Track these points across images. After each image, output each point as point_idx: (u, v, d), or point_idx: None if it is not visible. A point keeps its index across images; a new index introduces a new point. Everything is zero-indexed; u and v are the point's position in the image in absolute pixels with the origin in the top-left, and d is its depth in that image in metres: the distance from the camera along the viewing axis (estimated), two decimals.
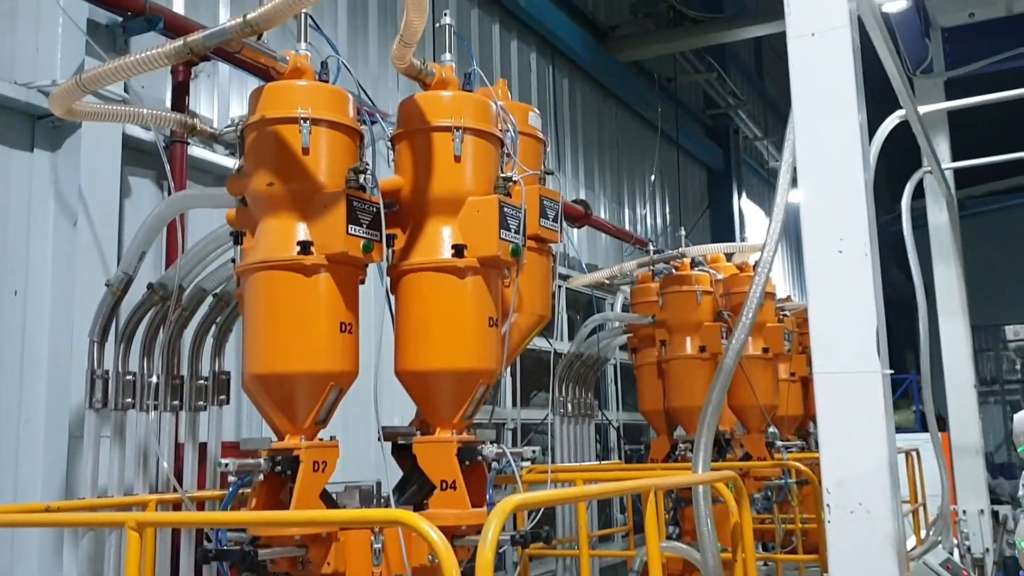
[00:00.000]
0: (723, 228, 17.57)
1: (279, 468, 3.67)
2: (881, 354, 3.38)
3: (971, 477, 8.82)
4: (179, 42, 3.75)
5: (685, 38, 14.98)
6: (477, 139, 4.01)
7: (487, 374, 3.94)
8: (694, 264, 8.03)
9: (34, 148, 5.60)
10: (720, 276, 8.13)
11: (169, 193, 5.81)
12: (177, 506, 4.85)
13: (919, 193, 8.18)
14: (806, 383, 8.87)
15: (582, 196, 12.06)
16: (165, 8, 6.04)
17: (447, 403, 3.91)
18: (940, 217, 8.78)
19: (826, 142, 3.56)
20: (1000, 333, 26.50)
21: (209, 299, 5.26)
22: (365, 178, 3.81)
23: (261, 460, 3.68)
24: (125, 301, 5.21)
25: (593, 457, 8.87)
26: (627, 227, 13.81)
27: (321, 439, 3.83)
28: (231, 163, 4.24)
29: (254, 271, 3.78)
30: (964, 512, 8.78)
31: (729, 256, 8.70)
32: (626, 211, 14.20)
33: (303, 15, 3.94)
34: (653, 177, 14.91)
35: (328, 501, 3.82)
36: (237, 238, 3.89)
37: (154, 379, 5.20)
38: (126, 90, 5.85)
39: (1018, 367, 27.64)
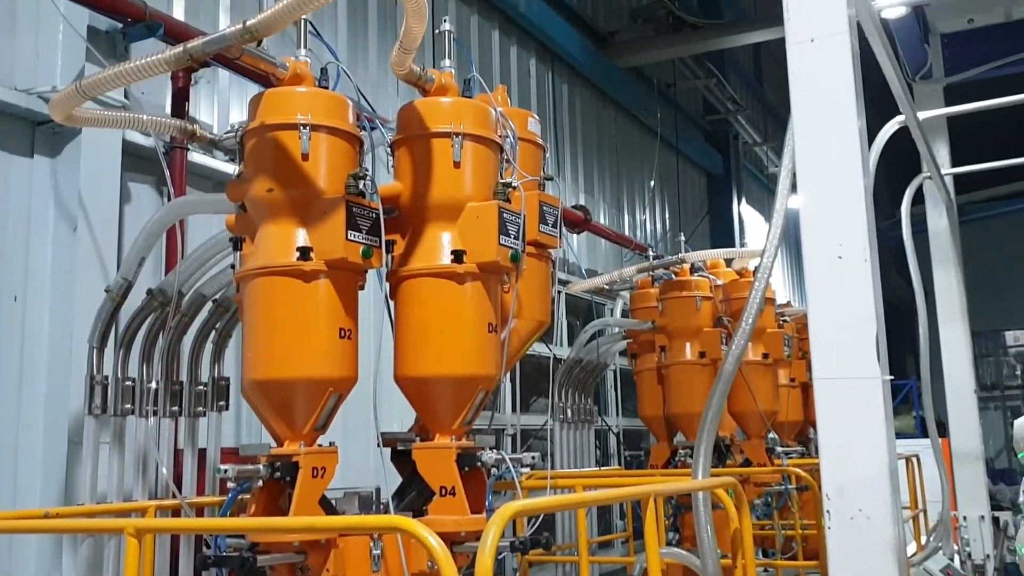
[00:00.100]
0: (723, 234, 17.58)
1: (278, 474, 3.66)
2: (881, 360, 3.38)
3: (971, 483, 8.79)
4: (179, 48, 3.75)
5: (684, 44, 15.01)
6: (476, 145, 4.01)
7: (486, 380, 3.93)
8: (694, 270, 8.03)
9: (34, 154, 5.60)
10: (720, 282, 8.13)
11: (169, 199, 5.81)
12: (176, 512, 4.84)
13: (919, 199, 8.17)
14: (806, 389, 8.87)
15: (582, 202, 12.06)
16: (165, 14, 6.05)
17: (446, 409, 3.91)
18: (940, 223, 8.77)
19: (826, 148, 3.56)
20: (1000, 339, 26.50)
21: (208, 305, 5.26)
22: (364, 184, 3.81)
23: (260, 466, 3.67)
24: (125, 307, 5.21)
25: (593, 463, 8.87)
26: (627, 233, 13.82)
27: (320, 445, 3.82)
28: (231, 169, 4.24)
29: (253, 277, 3.78)
30: (964, 518, 8.76)
31: (729, 262, 8.70)
32: (626, 217, 14.21)
33: (303, 21, 3.95)
34: (653, 183, 14.91)
35: (327, 507, 3.81)
36: (236, 244, 3.89)
37: (153, 385, 5.20)
38: (126, 96, 5.86)
39: (1018, 373, 27.61)
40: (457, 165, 3.94)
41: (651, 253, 8.81)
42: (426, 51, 7.19)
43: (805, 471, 6.95)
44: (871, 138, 4.72)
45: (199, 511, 4.95)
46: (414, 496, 3.92)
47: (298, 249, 3.71)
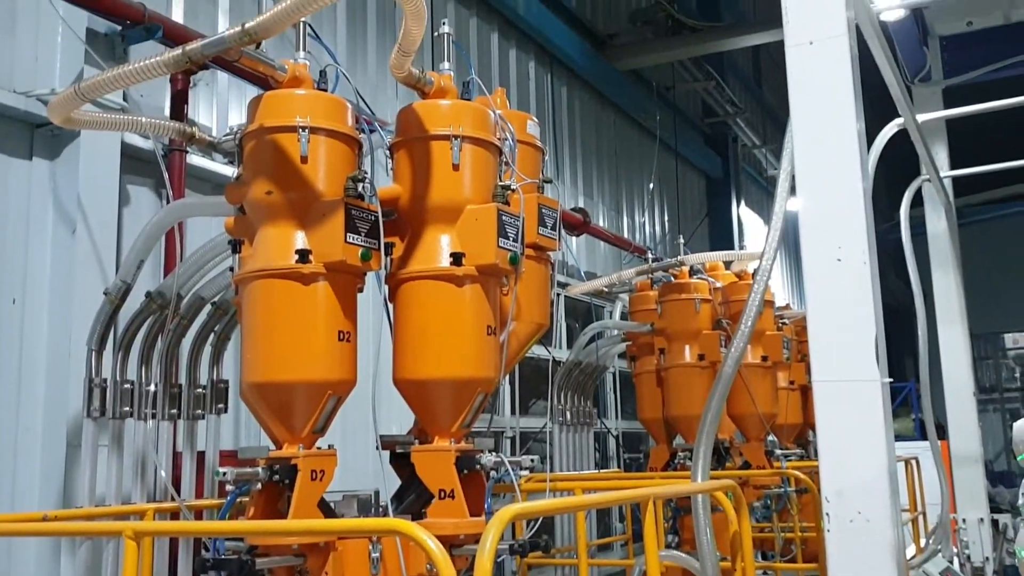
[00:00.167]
0: (722, 236, 17.59)
1: (277, 477, 3.66)
2: (880, 362, 3.37)
3: (971, 485, 8.79)
4: (178, 51, 3.75)
5: (683, 46, 15.01)
6: (475, 147, 4.01)
7: (485, 382, 3.93)
8: (693, 272, 8.02)
9: (33, 156, 5.60)
10: (719, 284, 8.13)
11: (168, 201, 5.81)
12: (175, 515, 4.84)
13: (918, 201, 8.18)
14: (805, 391, 8.87)
15: (580, 204, 12.06)
16: (164, 17, 6.05)
17: (445, 412, 3.90)
18: (939, 225, 8.77)
19: (825, 150, 3.56)
20: (999, 341, 26.51)
21: (207, 307, 5.26)
22: (363, 186, 3.81)
23: (259, 469, 3.67)
24: (123, 309, 5.21)
25: (592, 466, 8.86)
26: (626, 235, 13.82)
27: (319, 448, 3.82)
28: (230, 171, 4.24)
29: (252, 279, 3.77)
30: (964, 521, 8.76)
31: (728, 264, 8.69)
32: (624, 219, 14.21)
33: (302, 24, 3.95)
34: (652, 185, 14.92)
35: (326, 510, 3.81)
36: (235, 246, 3.89)
37: (152, 388, 5.20)
38: (125, 99, 5.86)
39: (1017, 375, 27.64)
40: (456, 168, 3.94)
41: (650, 255, 8.80)
42: (425, 54, 7.17)
43: (804, 474, 6.95)
44: (870, 141, 4.72)
45: (198, 514, 4.95)
46: (413, 499, 3.92)
47: (297, 252, 3.71)
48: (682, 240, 8.99)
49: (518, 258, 4.00)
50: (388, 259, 3.96)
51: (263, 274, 3.74)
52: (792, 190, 3.84)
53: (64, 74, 5.54)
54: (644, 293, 8.19)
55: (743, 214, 18.75)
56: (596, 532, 10.15)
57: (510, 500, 4.25)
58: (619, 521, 10.84)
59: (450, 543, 3.61)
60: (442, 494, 3.80)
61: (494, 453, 3.91)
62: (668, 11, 15.03)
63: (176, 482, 5.18)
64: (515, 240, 3.99)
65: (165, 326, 5.13)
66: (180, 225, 5.58)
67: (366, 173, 3.86)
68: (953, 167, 9.12)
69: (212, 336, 5.36)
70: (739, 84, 19.60)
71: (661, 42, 14.88)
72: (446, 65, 4.23)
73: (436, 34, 4.33)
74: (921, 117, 6.96)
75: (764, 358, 7.98)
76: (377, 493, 3.98)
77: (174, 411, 5.25)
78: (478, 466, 3.85)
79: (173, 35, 5.78)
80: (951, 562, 8.12)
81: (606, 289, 9.25)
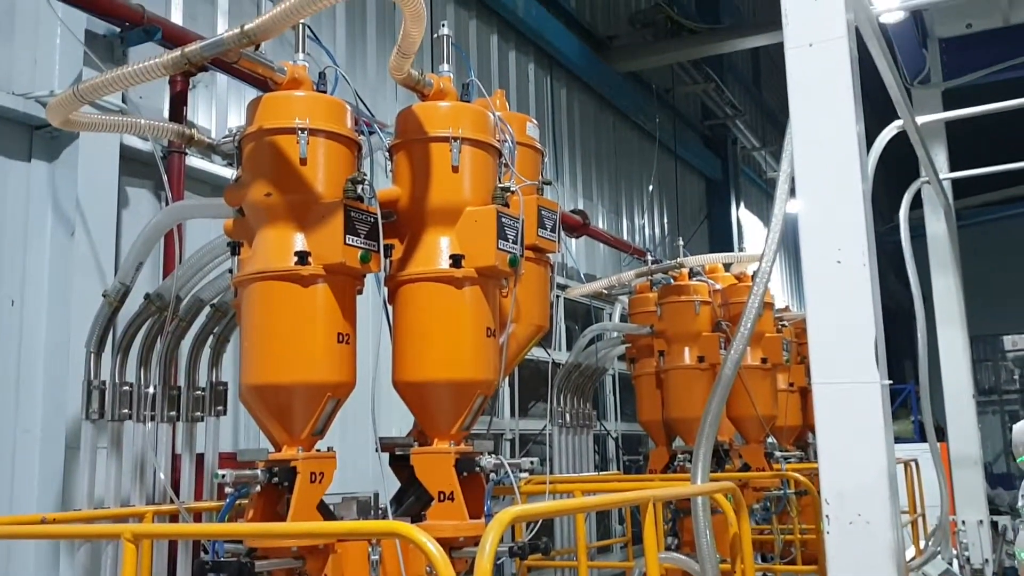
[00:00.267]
0: (721, 238, 17.60)
1: (276, 479, 3.65)
2: (880, 364, 3.38)
3: (970, 487, 8.80)
4: (177, 53, 3.75)
5: (683, 49, 15.02)
6: (475, 149, 4.00)
7: (485, 385, 3.93)
8: (692, 274, 8.02)
9: (32, 158, 5.60)
10: (718, 286, 8.13)
11: (167, 203, 5.80)
12: (174, 518, 4.83)
13: (917, 203, 8.19)
14: (805, 393, 8.87)
15: (580, 206, 12.07)
16: (163, 19, 6.04)
17: (445, 414, 3.90)
18: (938, 227, 8.78)
19: (824, 152, 3.56)
20: (998, 343, 26.51)
21: (206, 309, 5.25)
22: (363, 188, 3.80)
23: (258, 471, 3.66)
24: (122, 312, 5.20)
25: (592, 468, 8.86)
26: (625, 237, 13.82)
27: (318, 450, 3.81)
28: (229, 173, 4.24)
29: (251, 281, 3.77)
30: (963, 523, 8.77)
31: (727, 266, 8.70)
32: (624, 221, 14.21)
33: (301, 26, 3.94)
34: (651, 187, 14.92)
35: (325, 512, 3.80)
36: (234, 248, 3.89)
37: (151, 390, 5.19)
38: (124, 101, 5.86)
39: (1016, 377, 27.66)
40: (455, 169, 3.94)
41: (650, 257, 8.80)
42: (424, 55, 7.18)
43: (804, 476, 6.95)
44: (869, 142, 4.72)
45: (197, 516, 4.95)
46: (412, 501, 3.91)
47: (296, 253, 3.71)
48: (681, 242, 8.99)
49: (517, 260, 4.00)
50: (387, 261, 3.95)
51: (262, 276, 3.73)
52: (792, 192, 3.84)
53: (63, 76, 5.53)
54: (644, 295, 8.19)
55: (742, 216, 18.75)
56: (596, 534, 10.15)
57: (510, 502, 4.24)
58: (619, 523, 10.84)
59: (450, 545, 3.60)
60: (441, 496, 3.79)
61: (494, 455, 3.91)
62: (668, 13, 15.04)
63: (175, 484, 5.17)
64: (514, 242, 3.99)
65: (164, 328, 5.12)
66: (179, 227, 5.56)
67: (365, 175, 3.86)
68: (952, 169, 9.13)
69: (211, 338, 5.36)
70: (739, 86, 19.61)
71: (660, 44, 14.88)
72: (445, 67, 4.23)
73: (435, 36, 4.33)
74: (920, 119, 6.97)
75: (764, 360, 7.99)
76: (376, 495, 3.98)
77: (173, 413, 5.24)
78: (478, 468, 3.85)
79: (172, 37, 5.78)
80: (950, 564, 8.13)
81: (605, 291, 9.25)
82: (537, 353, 8.77)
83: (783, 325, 8.74)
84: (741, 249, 16.94)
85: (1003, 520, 11.33)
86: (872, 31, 4.61)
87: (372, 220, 3.80)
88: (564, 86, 12.73)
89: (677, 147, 15.91)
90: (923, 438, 9.74)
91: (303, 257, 3.70)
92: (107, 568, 4.94)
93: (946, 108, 9.02)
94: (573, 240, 11.31)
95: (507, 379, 8.69)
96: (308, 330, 3.71)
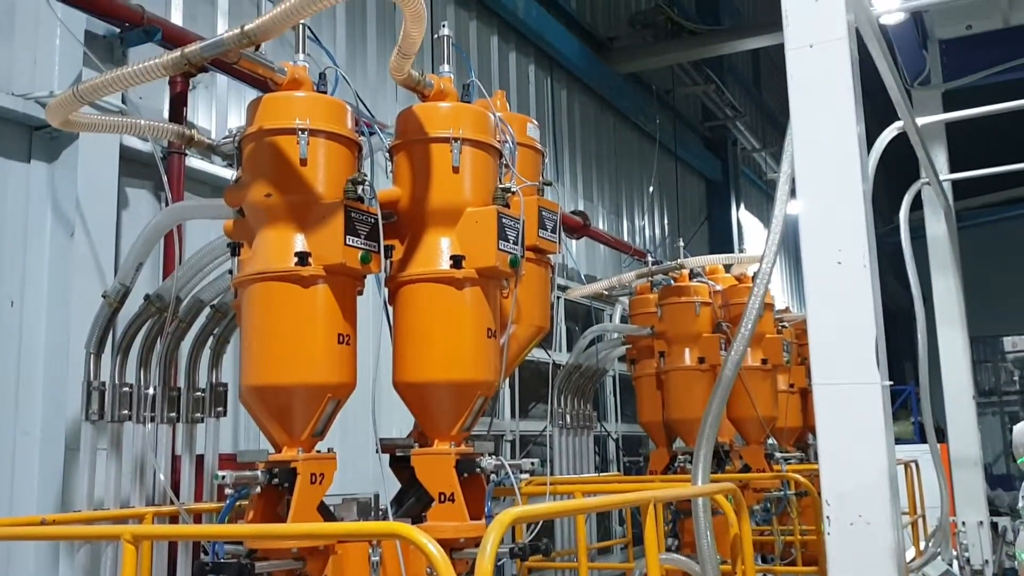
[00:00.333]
0: (721, 239, 17.60)
1: (276, 480, 3.65)
2: (880, 365, 3.37)
3: (970, 488, 8.79)
4: (177, 53, 3.75)
5: (683, 50, 15.02)
6: (475, 150, 4.00)
7: (485, 386, 3.93)
8: (693, 275, 8.02)
9: (31, 159, 5.59)
10: (719, 287, 8.13)
11: (166, 204, 5.80)
12: (174, 519, 4.82)
13: (917, 205, 8.19)
14: (805, 394, 8.87)
15: (580, 207, 12.07)
16: (163, 19, 6.04)
17: (445, 415, 3.90)
18: (938, 228, 8.78)
19: (825, 153, 3.56)
20: (998, 344, 26.56)
21: (206, 310, 5.25)
22: (363, 189, 3.80)
23: (258, 472, 3.66)
24: (122, 312, 5.20)
25: (592, 469, 8.86)
26: (625, 238, 13.82)
27: (319, 451, 3.81)
28: (229, 174, 4.23)
29: (251, 282, 3.77)
30: (963, 524, 8.76)
31: (728, 267, 8.70)
32: (624, 222, 14.21)
33: (301, 26, 3.94)
34: (651, 188, 14.92)
35: (326, 513, 3.80)
36: (234, 249, 3.88)
37: (151, 391, 5.19)
38: (124, 101, 5.85)
39: (1016, 378, 27.69)
40: (456, 170, 3.94)
41: (650, 259, 8.80)
42: (425, 56, 7.18)
43: (804, 477, 6.94)
44: (870, 144, 4.72)
45: (197, 517, 4.94)
46: (413, 502, 3.91)
47: (296, 254, 3.71)
48: (682, 243, 8.99)
49: (518, 261, 3.99)
50: (388, 262, 3.95)
51: (262, 277, 3.73)
52: (792, 193, 3.84)
53: (63, 76, 5.53)
54: (644, 296, 8.20)
55: (743, 217, 18.75)
56: (596, 535, 10.14)
57: (510, 503, 4.24)
58: (619, 524, 10.84)
59: (450, 547, 3.60)
60: (442, 497, 3.79)
61: (494, 456, 3.90)
62: (668, 14, 15.04)
63: (175, 485, 5.17)
64: (515, 243, 3.99)
65: (164, 329, 5.12)
66: (179, 228, 5.56)
67: (366, 175, 3.86)
68: (952, 170, 9.12)
69: (211, 339, 5.35)
70: (739, 87, 19.61)
71: (661, 45, 14.88)
72: (446, 68, 4.23)
73: (436, 37, 4.32)
74: (921, 120, 6.96)
75: (764, 361, 7.99)
76: (377, 496, 3.97)
77: (173, 414, 5.24)
78: (478, 469, 3.85)
79: (172, 37, 5.77)
80: (951, 565, 8.12)
81: (606, 292, 9.25)
82: (537, 354, 8.76)
83: (783, 326, 8.74)
84: (741, 250, 16.94)
85: (1003, 521, 11.33)
86: (872, 32, 4.61)
87: (372, 221, 3.80)
88: (564, 87, 12.73)
89: (677, 148, 15.91)
90: (923, 439, 9.74)
91: (303, 258, 3.70)
92: (107, 569, 4.93)
93: (946, 109, 9.02)
94: (573, 241, 11.31)
95: (507, 380, 8.68)
96: (308, 331, 3.70)
